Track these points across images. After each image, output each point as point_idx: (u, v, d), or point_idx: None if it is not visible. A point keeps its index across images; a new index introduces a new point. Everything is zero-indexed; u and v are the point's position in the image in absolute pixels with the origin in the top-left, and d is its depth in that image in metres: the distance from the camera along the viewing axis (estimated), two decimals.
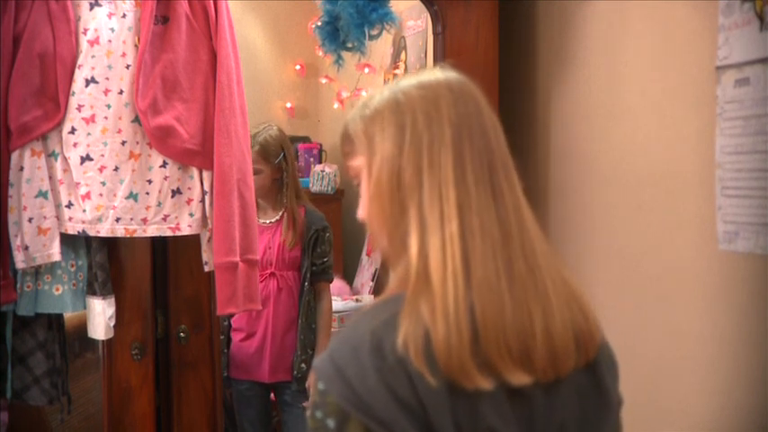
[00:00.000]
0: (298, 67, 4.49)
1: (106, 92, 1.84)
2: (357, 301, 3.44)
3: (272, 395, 2.82)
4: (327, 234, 2.74)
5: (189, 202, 1.91)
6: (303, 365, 2.66)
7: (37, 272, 1.87)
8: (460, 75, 1.04)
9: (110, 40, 1.84)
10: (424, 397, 0.86)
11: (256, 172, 2.47)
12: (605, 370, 1.00)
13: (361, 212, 1.05)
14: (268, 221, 2.71)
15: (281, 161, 2.68)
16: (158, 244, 2.04)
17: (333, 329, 3.03)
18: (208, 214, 1.93)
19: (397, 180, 0.96)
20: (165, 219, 1.89)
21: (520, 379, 0.90)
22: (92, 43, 1.83)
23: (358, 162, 1.03)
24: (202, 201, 1.92)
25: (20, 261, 1.81)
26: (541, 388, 0.93)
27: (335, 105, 4.17)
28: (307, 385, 2.65)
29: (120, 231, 1.86)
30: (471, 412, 0.88)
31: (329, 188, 3.95)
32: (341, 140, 1.06)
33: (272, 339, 2.69)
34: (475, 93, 1.02)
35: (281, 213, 2.72)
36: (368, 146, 1.01)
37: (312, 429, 0.90)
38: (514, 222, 0.95)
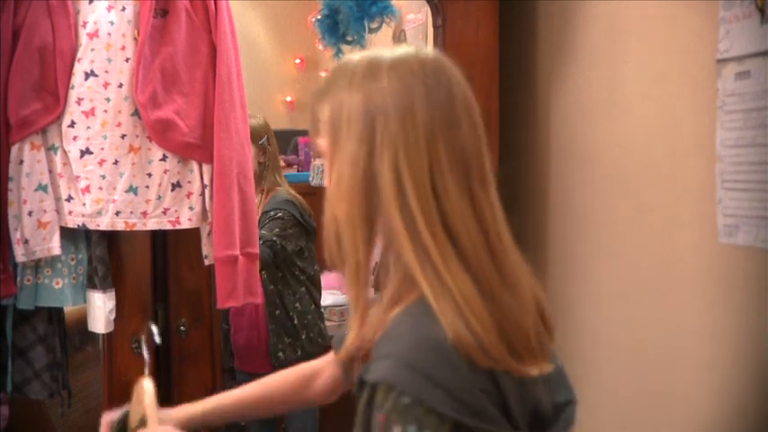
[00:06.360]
0: (298, 60, 4.49)
1: (106, 85, 1.83)
2: None
3: None
4: (271, 212, 2.71)
5: (189, 195, 1.91)
6: (280, 354, 2.70)
7: (37, 265, 1.87)
8: (435, 54, 1.00)
9: (109, 33, 1.84)
10: (499, 380, 0.88)
11: None
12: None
13: (327, 183, 1.00)
14: None
15: (264, 143, 2.74)
16: (158, 237, 2.04)
17: (332, 323, 3.04)
18: (208, 208, 1.92)
19: (370, 183, 0.93)
20: (164, 212, 1.89)
21: (533, 372, 0.93)
22: (91, 36, 1.83)
23: (322, 143, 0.98)
24: (202, 194, 1.92)
25: (20, 255, 1.81)
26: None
27: None
28: None
29: (119, 225, 1.86)
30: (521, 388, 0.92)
31: None
32: (311, 111, 1.00)
33: (257, 329, 2.77)
34: (448, 79, 0.97)
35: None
36: (332, 134, 0.96)
37: None
38: (493, 232, 0.94)
